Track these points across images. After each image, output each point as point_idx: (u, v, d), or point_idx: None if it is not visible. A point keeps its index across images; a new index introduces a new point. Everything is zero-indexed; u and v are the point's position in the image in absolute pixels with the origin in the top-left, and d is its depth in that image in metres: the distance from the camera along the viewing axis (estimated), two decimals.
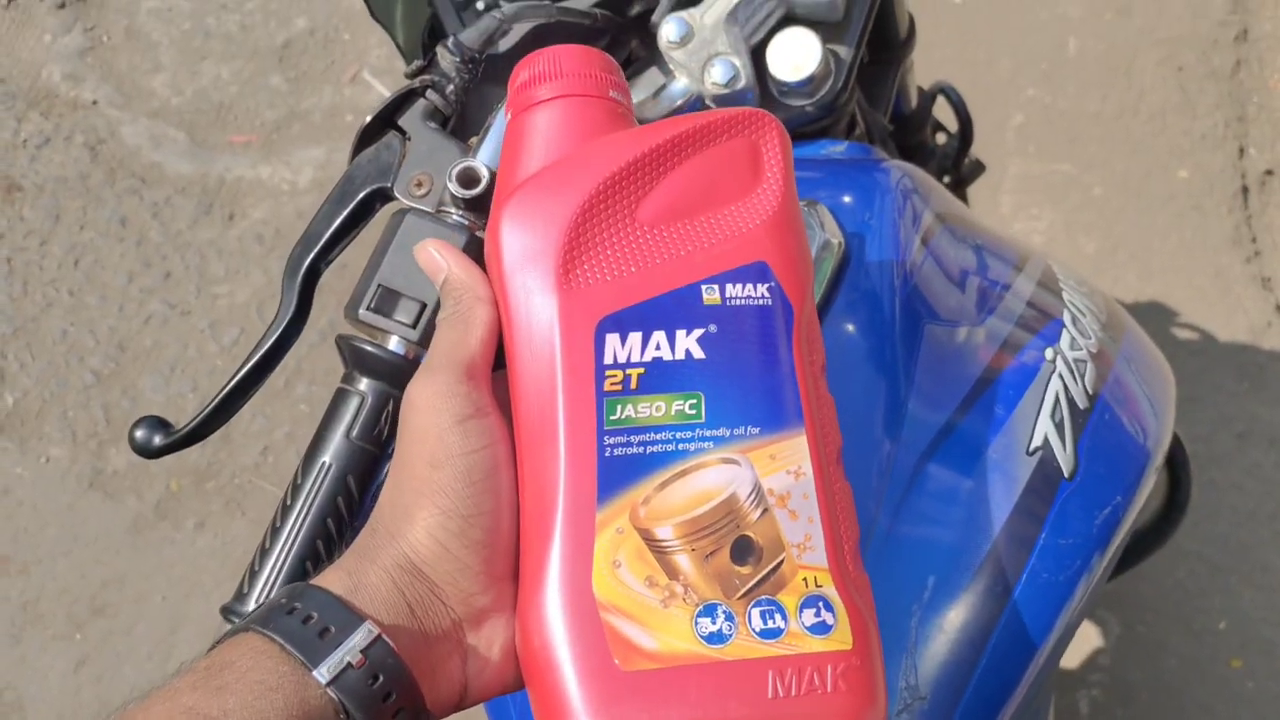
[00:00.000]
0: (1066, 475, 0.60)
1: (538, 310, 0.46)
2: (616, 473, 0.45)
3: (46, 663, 1.64)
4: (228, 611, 0.57)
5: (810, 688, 0.43)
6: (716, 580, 0.44)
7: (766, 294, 0.47)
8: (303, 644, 0.42)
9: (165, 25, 2.11)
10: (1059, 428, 0.61)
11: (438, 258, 0.51)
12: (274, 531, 0.57)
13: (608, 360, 0.45)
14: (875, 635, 0.46)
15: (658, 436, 0.45)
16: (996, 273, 0.72)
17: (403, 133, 0.62)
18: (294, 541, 0.56)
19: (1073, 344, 0.66)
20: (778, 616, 0.44)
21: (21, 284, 1.88)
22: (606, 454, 0.45)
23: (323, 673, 0.42)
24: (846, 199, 0.69)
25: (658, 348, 0.46)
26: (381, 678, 0.42)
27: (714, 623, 0.43)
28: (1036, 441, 0.61)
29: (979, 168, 1.32)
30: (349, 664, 0.42)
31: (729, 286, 0.47)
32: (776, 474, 0.45)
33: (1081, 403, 0.63)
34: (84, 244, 1.91)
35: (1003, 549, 0.57)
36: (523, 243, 0.47)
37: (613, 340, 0.45)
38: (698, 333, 0.46)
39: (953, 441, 0.60)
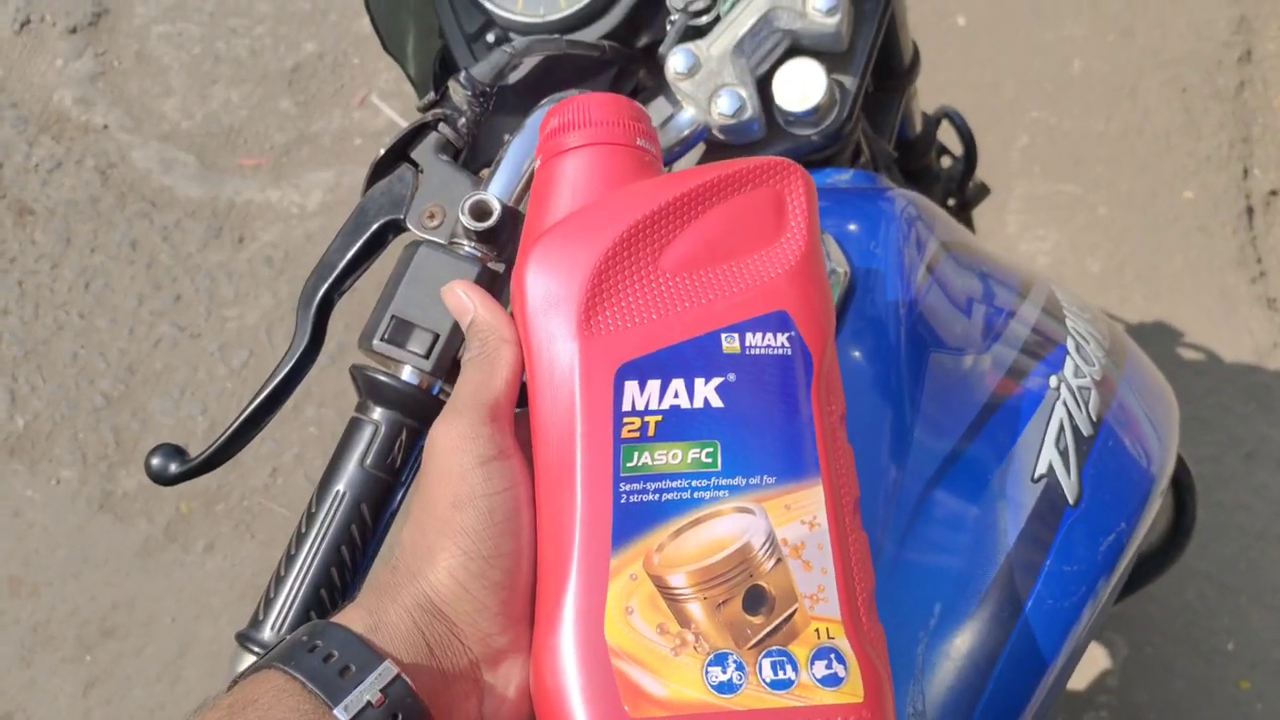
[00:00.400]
0: (1071, 502, 0.61)
1: (559, 355, 0.47)
2: (632, 519, 0.45)
3: (56, 685, 1.64)
4: (244, 638, 0.57)
5: None
6: (728, 629, 0.44)
7: (786, 344, 0.48)
8: (324, 682, 0.43)
9: (175, 49, 2.13)
10: (1063, 455, 0.62)
11: (464, 299, 0.52)
12: (289, 559, 0.58)
13: (626, 407, 0.46)
14: (889, 689, 0.46)
15: (673, 484, 0.45)
16: (1001, 300, 0.72)
17: (415, 165, 0.63)
18: (309, 569, 0.57)
19: (1076, 371, 0.67)
20: (789, 668, 0.44)
21: (33, 307, 1.90)
22: (622, 500, 0.45)
23: (343, 711, 0.42)
24: (852, 227, 0.70)
25: (676, 395, 0.46)
26: (400, 717, 0.43)
27: (724, 672, 0.43)
28: (1041, 469, 0.61)
29: (984, 190, 1.33)
30: (369, 702, 0.42)
31: (749, 335, 0.48)
32: (791, 524, 0.46)
33: (1085, 430, 0.64)
34: (95, 267, 1.93)
35: (1008, 576, 0.58)
36: (546, 288, 0.48)
37: (632, 387, 0.46)
38: (716, 381, 0.47)
39: (958, 469, 0.61)
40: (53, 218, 1.97)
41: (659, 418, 0.46)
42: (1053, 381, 0.65)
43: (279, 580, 0.57)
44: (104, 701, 1.63)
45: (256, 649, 0.57)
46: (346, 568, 0.57)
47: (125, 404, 1.82)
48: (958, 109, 1.23)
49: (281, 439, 1.77)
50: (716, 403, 0.46)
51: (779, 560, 0.45)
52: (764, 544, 0.45)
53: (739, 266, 0.49)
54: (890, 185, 0.78)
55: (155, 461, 0.63)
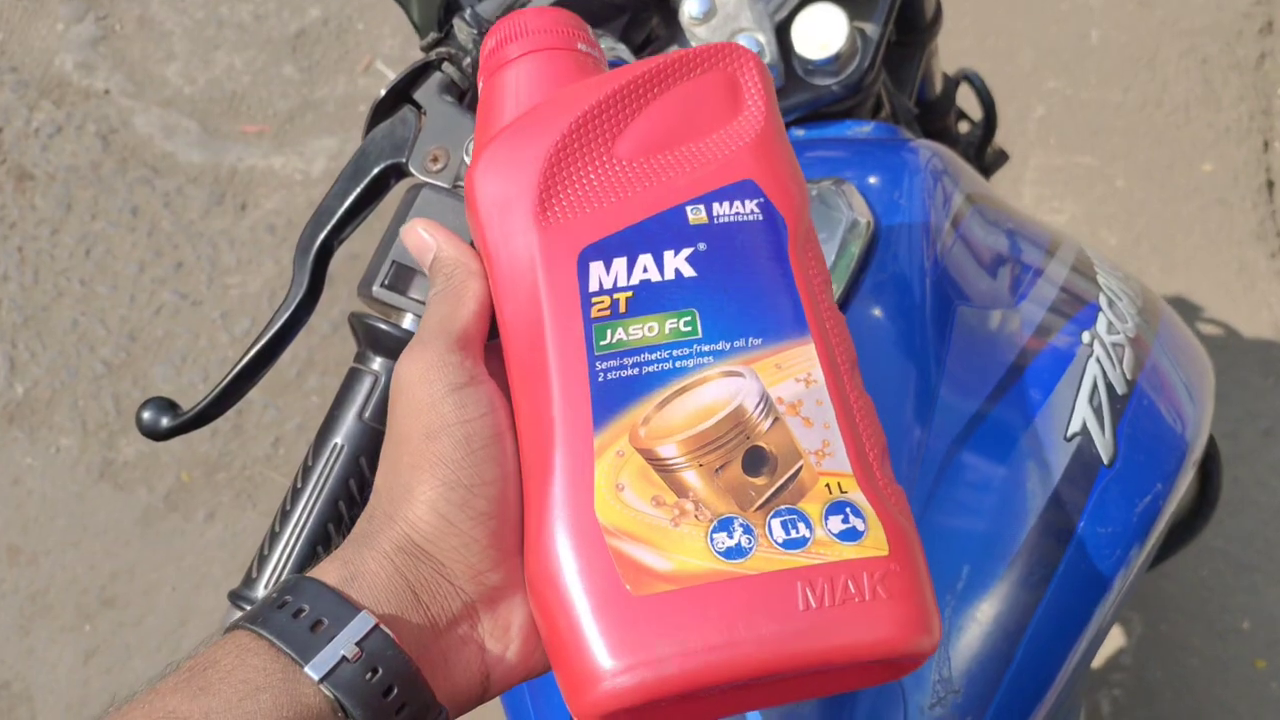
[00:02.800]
0: (1106, 462, 0.58)
1: (518, 252, 0.45)
2: (611, 396, 0.43)
3: (55, 654, 1.62)
4: (236, 596, 0.55)
5: (846, 596, 0.39)
6: (730, 494, 0.41)
7: (756, 210, 0.45)
8: (293, 639, 0.40)
9: (178, 14, 2.10)
10: (1097, 413, 0.59)
11: (425, 237, 0.49)
12: (284, 515, 0.55)
13: (593, 288, 0.44)
14: (917, 547, 0.42)
15: (652, 357, 0.43)
16: (1029, 256, 0.69)
17: (418, 107, 0.60)
18: (304, 525, 0.54)
19: (1110, 328, 0.64)
20: (801, 525, 0.41)
21: (33, 273, 1.87)
22: (599, 379, 0.43)
23: (315, 669, 0.39)
24: (874, 179, 0.67)
25: (645, 270, 0.44)
26: (380, 671, 0.39)
27: (731, 537, 0.40)
28: (1074, 427, 0.58)
29: (1002, 156, 1.30)
30: (344, 658, 0.39)
31: (716, 205, 0.45)
32: (785, 382, 0.43)
33: (1120, 388, 0.61)
34: (95, 233, 1.90)
35: (1039, 538, 0.55)
36: (499, 189, 0.46)
37: (597, 268, 0.44)
38: (686, 252, 0.45)
39: (986, 428, 0.58)
40: (53, 183, 1.94)
41: (629, 294, 0.44)
42: (1085, 338, 0.62)
43: (274, 536, 0.55)
44: (104, 671, 1.61)
45: (249, 607, 0.54)
46: (344, 523, 0.55)
47: (126, 371, 1.80)
48: None
49: (284, 408, 1.75)
50: (689, 272, 0.44)
51: (776, 419, 0.42)
52: (758, 404, 0.42)
53: (698, 145, 0.47)
54: (913, 137, 0.76)
55: (147, 415, 0.60)
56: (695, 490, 0.41)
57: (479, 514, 0.43)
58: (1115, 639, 1.53)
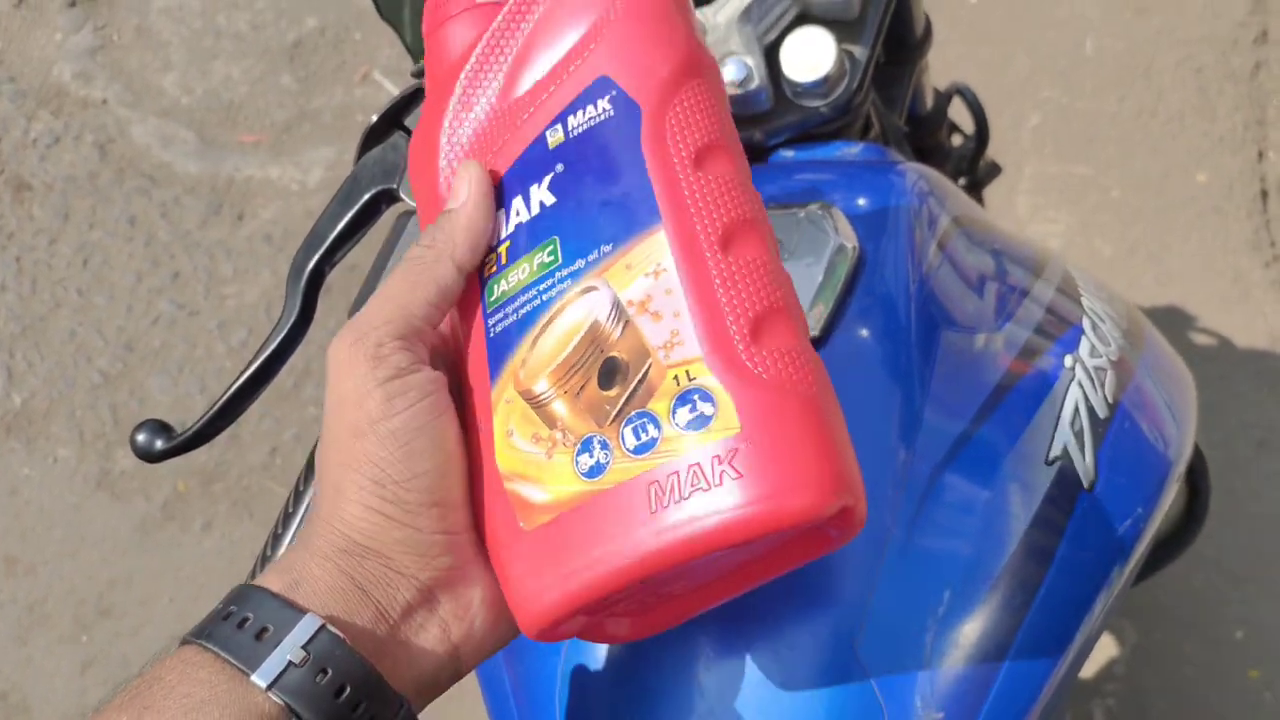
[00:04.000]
0: (1086, 486, 0.59)
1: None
2: (500, 348, 0.44)
3: (52, 664, 1.63)
4: None
5: (694, 488, 0.39)
6: (589, 413, 0.42)
7: (608, 106, 0.45)
8: (238, 649, 0.40)
9: (175, 24, 2.11)
10: (1078, 437, 0.60)
11: (465, 185, 0.46)
12: (286, 517, 0.56)
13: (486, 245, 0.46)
14: (799, 408, 0.41)
15: (525, 298, 0.44)
16: (1015, 278, 0.70)
17: (408, 133, 0.61)
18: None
19: (1092, 351, 0.65)
20: (650, 427, 0.40)
21: (30, 283, 1.88)
22: (491, 334, 0.44)
23: (262, 676, 0.39)
24: (861, 201, 0.68)
25: (518, 214, 0.45)
26: (330, 671, 0.39)
27: (591, 456, 0.41)
28: (1055, 451, 0.59)
29: (995, 169, 1.30)
30: (290, 662, 0.39)
31: (570, 119, 0.45)
32: (634, 282, 0.42)
33: (1101, 412, 0.62)
34: (93, 243, 1.91)
35: (1020, 561, 0.56)
36: (415, 160, 0.48)
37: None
38: (547, 179, 0.45)
39: (969, 451, 0.59)
40: (50, 193, 1.95)
41: (507, 243, 0.45)
42: (1068, 361, 0.63)
43: (275, 538, 0.56)
44: (101, 681, 1.62)
45: None
46: None
47: (123, 382, 1.81)
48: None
49: (281, 418, 1.76)
50: (550, 200, 0.45)
51: (626, 323, 0.42)
52: (609, 314, 0.42)
53: (564, 61, 0.47)
54: (901, 159, 0.76)
55: (141, 438, 0.61)
56: (562, 419, 0.42)
57: (416, 505, 0.42)
58: (1109, 648, 1.54)
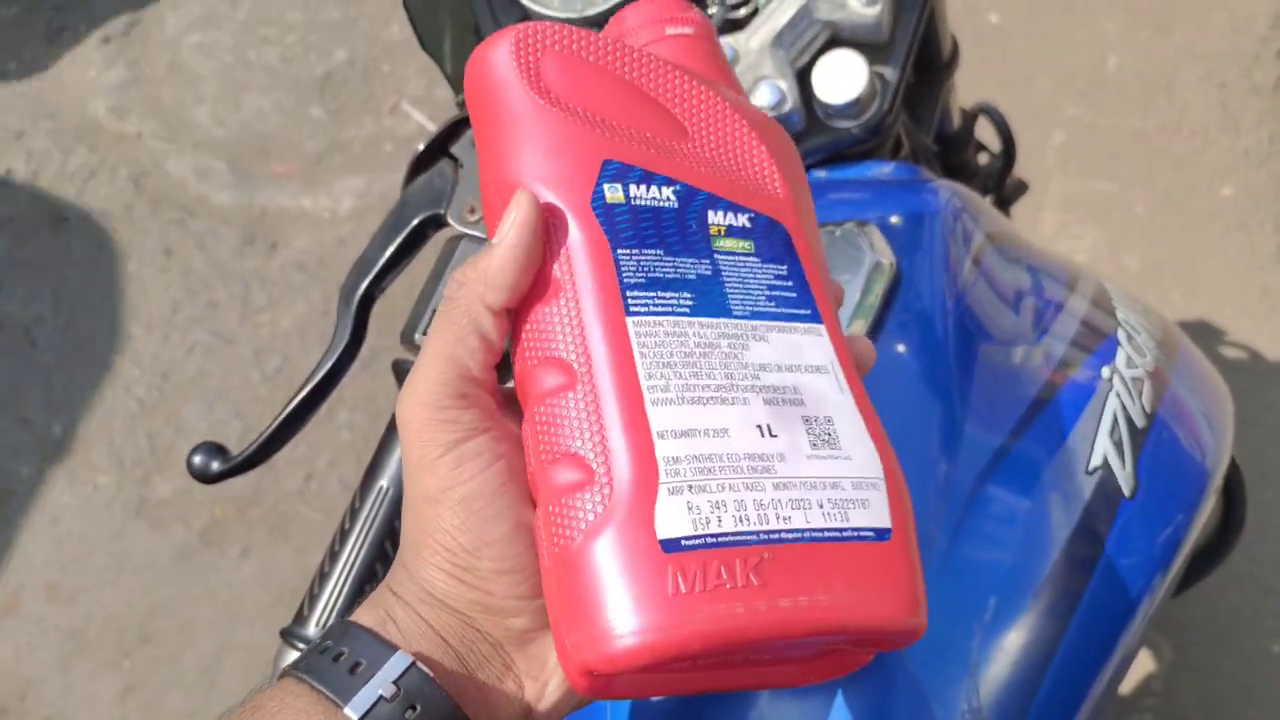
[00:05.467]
0: (1127, 494, 0.60)
1: None
2: None
3: (94, 690, 1.65)
4: (288, 634, 0.57)
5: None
6: None
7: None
8: (334, 681, 0.41)
9: (207, 58, 2.14)
10: (1118, 447, 0.61)
11: (511, 210, 0.43)
12: (333, 555, 0.57)
13: None
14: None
15: None
16: (1049, 292, 0.71)
17: (455, 160, 0.62)
18: (353, 564, 0.57)
19: (1129, 362, 0.65)
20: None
21: (68, 314, 1.91)
22: None
23: (354, 709, 0.40)
24: (895, 220, 0.69)
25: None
26: (419, 707, 0.41)
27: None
28: (1096, 461, 0.60)
29: (1022, 187, 1.31)
30: (381, 697, 0.40)
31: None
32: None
33: (1140, 421, 0.63)
34: (129, 274, 1.94)
35: (1063, 570, 0.57)
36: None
37: None
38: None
39: (1010, 462, 0.60)
40: (88, 226, 1.98)
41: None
42: (1105, 373, 0.64)
43: (323, 576, 0.57)
44: (142, 707, 1.63)
45: (300, 645, 0.56)
46: (389, 561, 0.57)
47: (160, 410, 1.83)
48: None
49: (315, 443, 1.78)
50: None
51: None
52: None
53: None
54: (933, 177, 0.77)
55: (197, 459, 0.63)
56: None
57: (487, 572, 0.42)
58: (1145, 664, 1.53)
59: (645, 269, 0.42)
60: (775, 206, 0.45)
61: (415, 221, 0.62)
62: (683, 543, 0.38)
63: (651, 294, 0.42)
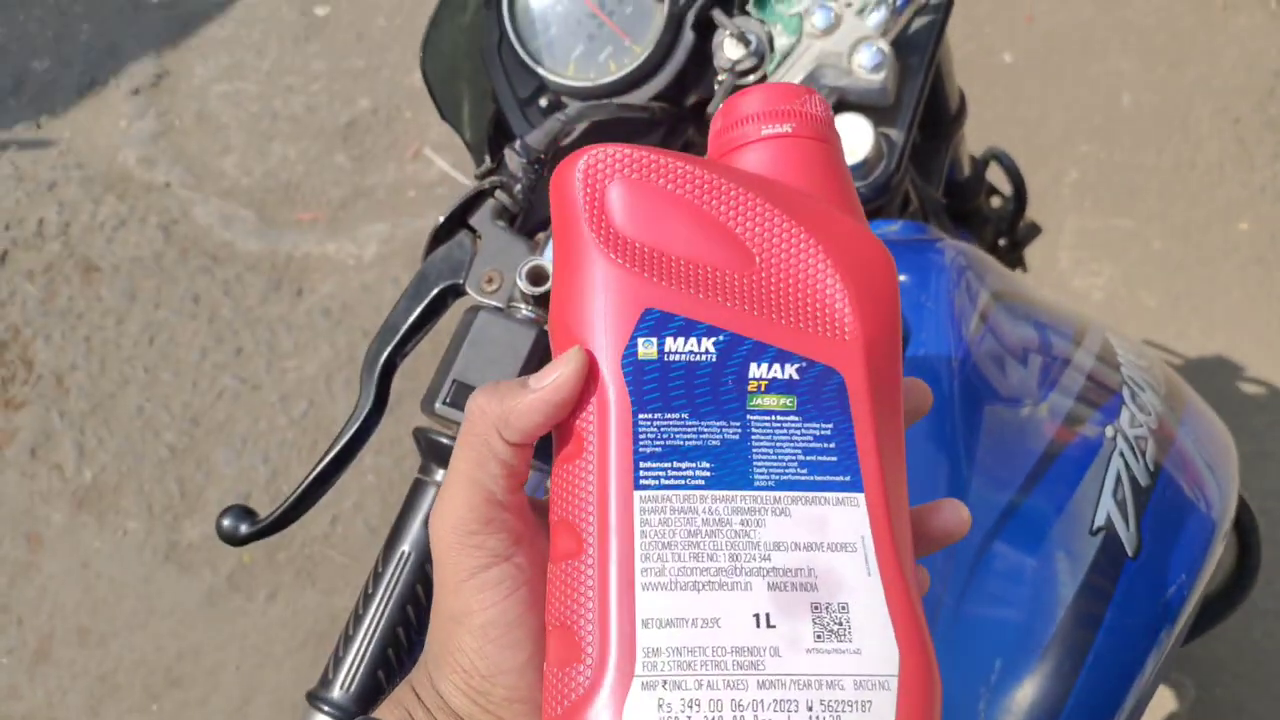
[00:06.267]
0: (1131, 554, 0.61)
1: None
2: None
3: None
4: (313, 698, 0.59)
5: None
6: None
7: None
8: None
9: (234, 108, 2.19)
10: (1121, 506, 0.62)
11: (555, 372, 0.42)
12: (356, 619, 0.59)
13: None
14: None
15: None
16: (1055, 348, 0.72)
17: (473, 231, 0.64)
18: (376, 628, 0.58)
19: (1133, 420, 0.67)
20: None
21: (99, 362, 1.95)
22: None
23: None
24: (902, 279, 0.71)
25: None
26: None
27: None
28: (1099, 521, 0.61)
29: (1035, 230, 1.33)
30: None
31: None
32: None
33: (1143, 480, 0.64)
34: (159, 322, 1.98)
35: (1069, 629, 0.58)
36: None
37: None
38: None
39: (1016, 521, 0.61)
40: (118, 274, 2.02)
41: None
42: (1109, 432, 0.65)
43: (347, 640, 0.59)
44: None
45: (326, 708, 0.58)
46: (413, 627, 0.59)
47: (189, 455, 1.86)
48: (1006, 146, 1.23)
49: (341, 487, 1.79)
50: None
51: None
52: None
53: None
54: (941, 235, 0.79)
55: (226, 523, 0.65)
56: None
57: (500, 700, 0.43)
58: (1168, 704, 1.53)
59: (665, 436, 0.40)
60: (838, 351, 0.41)
61: (435, 291, 0.64)
62: None
63: (666, 464, 0.40)
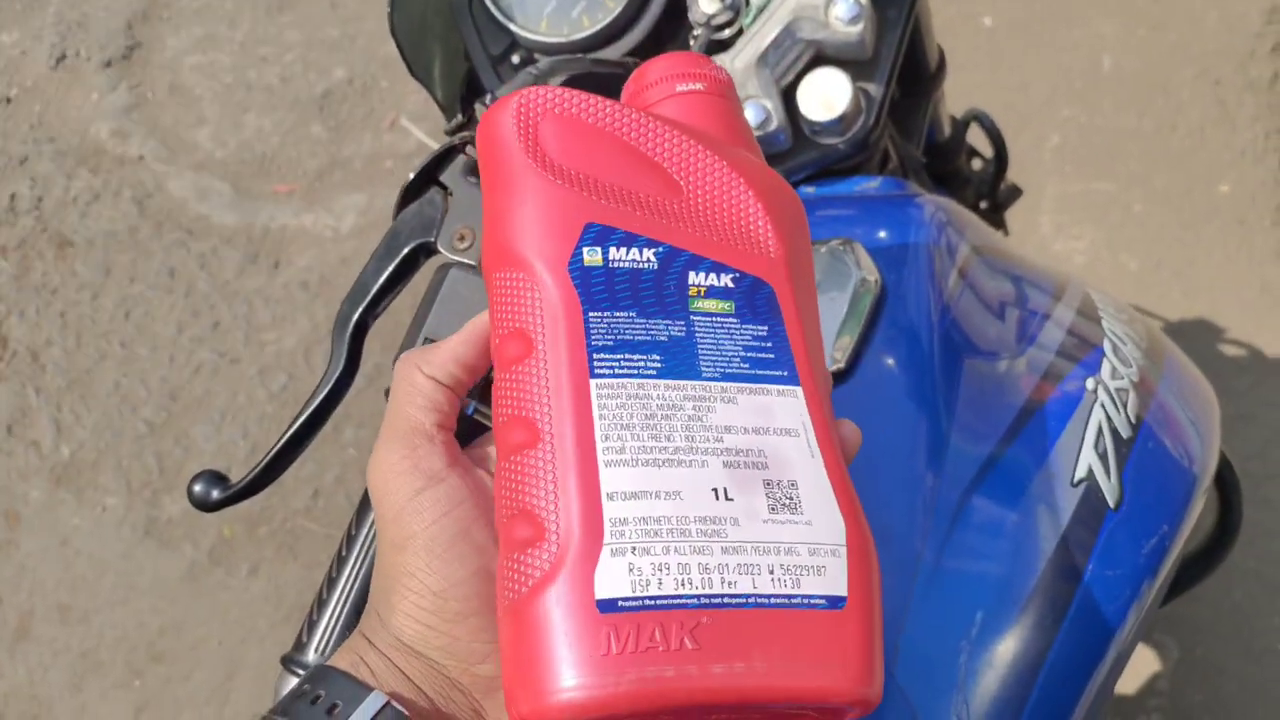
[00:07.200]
0: (1112, 505, 0.60)
1: None
2: None
3: (106, 710, 1.66)
4: (288, 661, 0.58)
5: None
6: None
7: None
8: None
9: (208, 80, 2.16)
10: (1103, 458, 0.61)
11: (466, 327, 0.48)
12: (330, 582, 0.58)
13: None
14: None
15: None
16: (1035, 302, 0.72)
17: (445, 188, 0.63)
18: (350, 591, 0.57)
19: (1114, 373, 0.66)
20: None
21: (75, 337, 1.93)
22: None
23: None
24: (881, 235, 0.70)
25: None
26: None
27: None
28: (1080, 473, 0.61)
29: (1016, 192, 1.32)
30: None
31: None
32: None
33: (1125, 432, 0.63)
34: (134, 296, 1.95)
35: (1050, 581, 0.57)
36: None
37: None
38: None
39: (996, 475, 0.60)
40: (92, 249, 2.00)
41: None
42: (1090, 384, 0.65)
43: (321, 603, 0.58)
44: None
45: (300, 671, 0.57)
46: None
47: (168, 431, 1.85)
48: (988, 110, 1.22)
49: (321, 461, 1.79)
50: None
51: None
52: None
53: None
54: (919, 191, 0.78)
55: (197, 489, 0.64)
56: None
57: (454, 614, 0.44)
58: (1151, 664, 1.54)
59: (615, 331, 0.43)
60: (765, 266, 0.45)
61: (406, 250, 0.62)
62: (620, 604, 0.38)
63: (619, 356, 0.42)
